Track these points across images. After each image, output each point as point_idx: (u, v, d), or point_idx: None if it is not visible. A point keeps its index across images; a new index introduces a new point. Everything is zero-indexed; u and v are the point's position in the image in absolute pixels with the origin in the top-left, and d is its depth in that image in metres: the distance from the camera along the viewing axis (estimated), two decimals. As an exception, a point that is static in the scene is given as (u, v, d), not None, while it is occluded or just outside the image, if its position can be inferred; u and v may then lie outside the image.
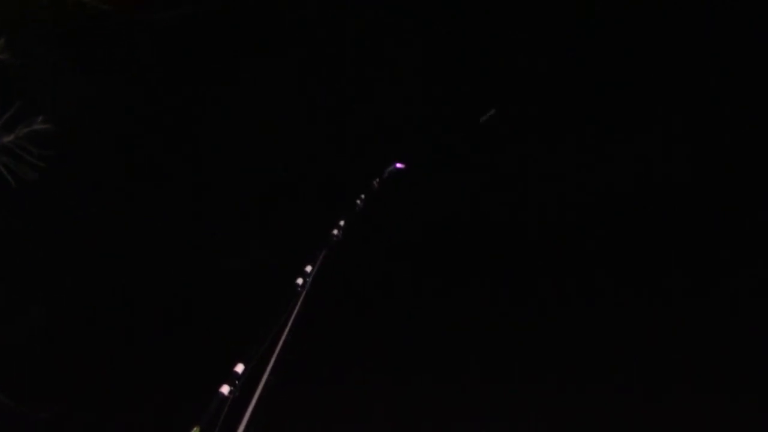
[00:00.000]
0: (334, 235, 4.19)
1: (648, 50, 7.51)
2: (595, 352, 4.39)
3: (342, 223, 4.29)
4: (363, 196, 5.11)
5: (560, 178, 6.73)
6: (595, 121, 7.16)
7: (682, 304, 4.87)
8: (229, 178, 6.45)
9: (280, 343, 3.27)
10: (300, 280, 3.65)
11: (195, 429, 2.85)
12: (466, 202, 6.42)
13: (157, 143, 6.62)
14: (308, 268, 3.73)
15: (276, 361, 3.18)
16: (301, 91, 7.39)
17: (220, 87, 7.25)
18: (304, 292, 3.66)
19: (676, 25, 7.55)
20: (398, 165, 6.53)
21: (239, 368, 3.07)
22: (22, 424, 3.23)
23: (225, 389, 2.98)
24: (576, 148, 7.00)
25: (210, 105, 7.09)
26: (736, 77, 7.05)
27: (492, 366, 4.22)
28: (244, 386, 3.00)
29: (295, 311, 3.49)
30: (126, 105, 6.72)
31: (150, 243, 5.39)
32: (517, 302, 4.91)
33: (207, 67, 7.35)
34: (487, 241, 5.74)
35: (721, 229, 5.70)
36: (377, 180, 5.84)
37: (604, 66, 7.56)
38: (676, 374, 4.22)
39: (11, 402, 3.35)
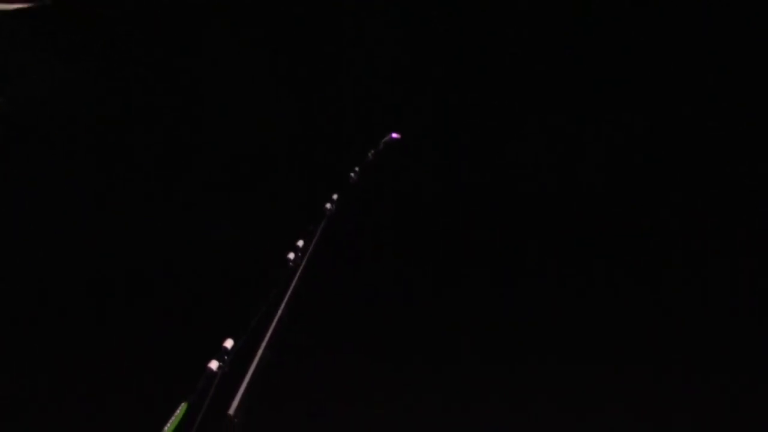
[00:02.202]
0: (327, 209, 4.11)
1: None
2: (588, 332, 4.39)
3: (335, 196, 4.20)
4: (357, 168, 5.01)
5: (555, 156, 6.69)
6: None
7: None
8: (216, 148, 6.33)
9: (275, 319, 3.22)
10: (291, 255, 3.59)
11: (183, 405, 2.82)
12: (459, 173, 6.36)
13: (136, 110, 6.48)
14: (300, 243, 3.66)
15: (269, 337, 3.14)
16: (295, 60, 7.24)
17: (205, 53, 7.09)
18: (297, 267, 3.60)
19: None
20: (394, 135, 6.45)
21: (228, 344, 3.03)
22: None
23: (214, 365, 2.94)
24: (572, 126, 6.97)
25: (194, 73, 6.93)
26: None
27: (489, 341, 4.19)
28: (233, 362, 2.96)
29: (288, 286, 3.44)
30: (99, 78, 6.58)
31: (128, 213, 5.29)
32: (517, 281, 4.87)
33: (193, 32, 7.18)
34: (483, 214, 5.70)
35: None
36: (372, 152, 5.75)
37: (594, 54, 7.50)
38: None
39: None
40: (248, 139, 6.19)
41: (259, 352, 3.16)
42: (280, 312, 3.35)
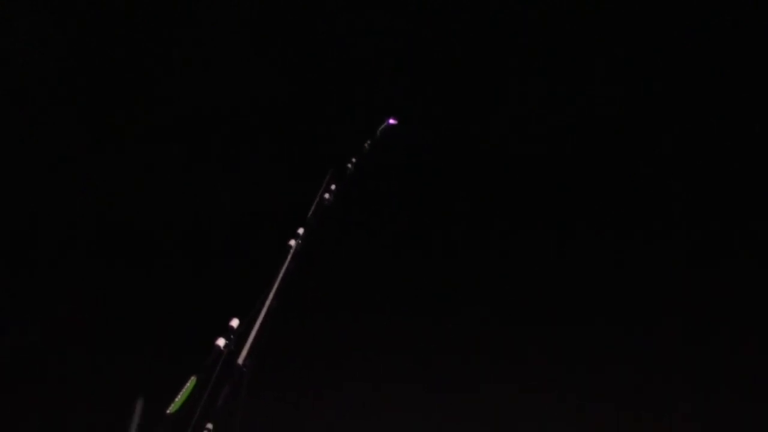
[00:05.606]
0: (325, 199, 4.29)
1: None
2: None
3: (333, 187, 4.38)
4: (354, 159, 5.16)
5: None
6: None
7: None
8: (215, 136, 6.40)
9: (282, 271, 3.37)
10: (293, 242, 3.79)
11: (192, 378, 3.05)
12: (456, 157, 6.48)
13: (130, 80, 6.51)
14: (300, 230, 3.86)
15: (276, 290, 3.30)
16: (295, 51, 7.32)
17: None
18: (296, 253, 3.79)
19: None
20: (391, 121, 6.44)
21: (234, 323, 3.26)
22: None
23: (221, 342, 3.17)
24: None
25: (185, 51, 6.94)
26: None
27: (484, 304, 4.34)
28: (238, 340, 3.20)
29: (283, 271, 3.61)
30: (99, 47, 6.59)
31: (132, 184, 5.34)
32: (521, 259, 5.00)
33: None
34: (482, 200, 5.84)
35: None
36: (368, 142, 5.86)
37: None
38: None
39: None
40: (245, 131, 6.25)
41: (267, 303, 3.31)
42: (286, 264, 3.48)
